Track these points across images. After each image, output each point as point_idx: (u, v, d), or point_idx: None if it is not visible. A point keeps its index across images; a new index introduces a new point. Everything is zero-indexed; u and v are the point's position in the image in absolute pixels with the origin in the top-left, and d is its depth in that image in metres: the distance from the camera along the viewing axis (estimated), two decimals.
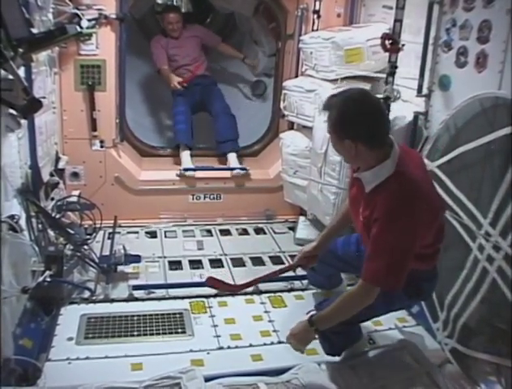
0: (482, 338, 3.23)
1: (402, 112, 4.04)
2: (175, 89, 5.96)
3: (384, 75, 4.03)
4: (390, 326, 3.77)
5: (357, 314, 2.85)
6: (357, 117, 2.62)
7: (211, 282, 3.76)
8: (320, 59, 4.74)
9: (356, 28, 4.81)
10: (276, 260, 4.83)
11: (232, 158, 5.85)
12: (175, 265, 4.64)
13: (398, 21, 3.79)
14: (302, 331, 2.96)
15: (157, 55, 6.13)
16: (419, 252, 2.78)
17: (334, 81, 4.63)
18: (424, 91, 3.95)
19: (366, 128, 2.63)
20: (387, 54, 3.91)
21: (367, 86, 4.62)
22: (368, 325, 3.71)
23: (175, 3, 9.24)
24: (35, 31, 3.38)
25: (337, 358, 3.26)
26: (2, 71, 2.71)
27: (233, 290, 3.95)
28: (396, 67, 3.88)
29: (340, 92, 2.77)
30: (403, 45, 3.84)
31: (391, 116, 3.90)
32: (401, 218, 2.60)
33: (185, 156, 5.77)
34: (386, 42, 3.83)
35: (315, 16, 5.14)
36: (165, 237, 5.24)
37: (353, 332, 3.24)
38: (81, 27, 4.11)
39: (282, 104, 5.31)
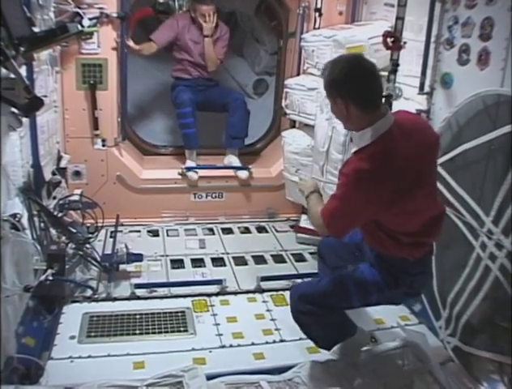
0: (484, 336, 3.23)
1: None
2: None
3: (386, 73, 4.02)
4: (392, 324, 3.77)
5: (333, 301, 3.03)
6: (346, 76, 2.67)
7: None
8: (322, 57, 4.73)
9: (357, 26, 4.80)
10: (278, 258, 4.85)
11: (233, 158, 5.83)
12: (177, 263, 4.65)
13: (399, 19, 3.80)
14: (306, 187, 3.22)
15: (162, 32, 5.73)
16: (398, 238, 2.84)
17: None
18: (426, 88, 3.93)
19: (355, 87, 2.67)
20: (389, 52, 3.90)
21: None
22: (370, 323, 3.73)
23: (176, 2, 9.24)
24: (36, 30, 3.39)
25: (337, 357, 3.25)
26: (4, 70, 2.71)
27: None
28: (398, 65, 3.88)
29: (335, 58, 2.85)
30: (405, 43, 3.83)
31: None
32: (361, 181, 2.63)
33: (191, 155, 5.73)
34: (388, 40, 3.82)
35: (317, 14, 5.14)
36: (167, 235, 5.24)
37: (343, 325, 3.24)
38: (82, 26, 4.12)
39: (284, 103, 5.30)
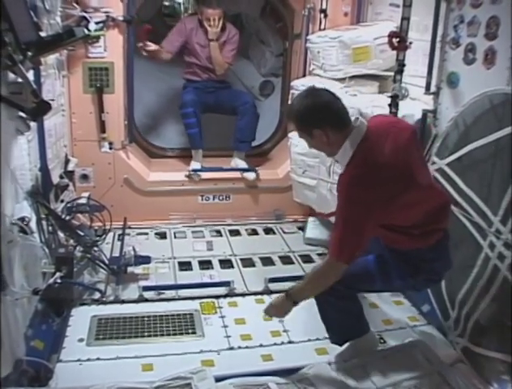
0: (494, 336, 3.21)
1: (410, 110, 4.02)
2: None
3: (392, 74, 4.02)
4: (400, 325, 3.76)
5: (357, 283, 3.08)
6: (314, 106, 2.79)
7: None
8: (327, 58, 4.74)
9: (363, 27, 4.80)
10: (286, 260, 4.84)
11: (239, 161, 5.82)
12: (185, 266, 4.65)
13: (405, 19, 3.79)
14: (280, 303, 3.08)
15: (172, 38, 5.69)
16: (407, 231, 2.93)
17: (341, 80, 4.63)
18: (433, 88, 3.93)
19: (328, 112, 2.80)
20: (395, 52, 3.90)
21: (375, 85, 4.63)
22: (378, 324, 3.71)
23: (182, 5, 9.27)
24: (43, 34, 3.39)
25: (347, 358, 3.25)
26: (12, 75, 2.72)
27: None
28: (404, 65, 3.88)
29: (292, 100, 3.03)
30: (411, 43, 3.83)
31: (400, 114, 3.89)
32: (357, 188, 2.73)
33: (197, 155, 5.73)
34: (394, 40, 3.82)
35: (322, 15, 5.15)
36: (175, 237, 5.25)
37: (359, 319, 3.29)
38: (89, 30, 4.13)
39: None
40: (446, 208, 3.08)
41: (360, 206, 2.71)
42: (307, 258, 4.86)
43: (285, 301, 3.04)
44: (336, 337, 3.32)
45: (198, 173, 5.60)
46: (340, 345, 3.31)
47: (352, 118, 2.88)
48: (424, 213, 2.92)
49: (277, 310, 3.13)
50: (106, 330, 3.62)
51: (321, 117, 2.79)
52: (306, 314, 3.48)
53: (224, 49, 5.76)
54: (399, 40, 3.80)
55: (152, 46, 5.34)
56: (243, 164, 5.78)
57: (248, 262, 4.75)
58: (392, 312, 3.86)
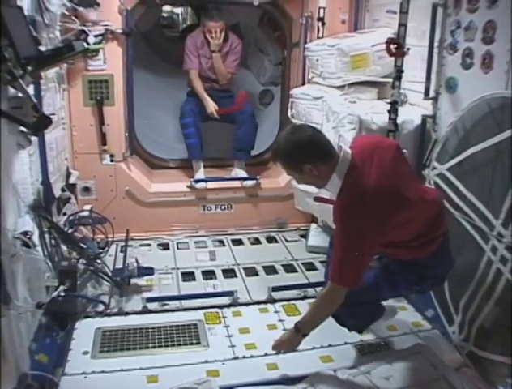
0: (499, 340, 3.19)
1: (410, 115, 4.04)
2: (210, 115, 5.70)
3: (390, 80, 4.04)
4: (405, 330, 3.75)
5: (364, 295, 3.13)
6: (301, 142, 2.84)
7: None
8: (326, 66, 4.76)
9: (360, 34, 4.82)
10: (289, 268, 4.84)
11: (239, 171, 5.84)
12: (188, 276, 4.65)
13: (402, 25, 3.81)
14: (290, 338, 3.15)
15: (189, 56, 5.75)
16: (406, 245, 3.03)
17: (341, 87, 4.64)
18: (432, 94, 3.94)
19: (315, 146, 2.85)
20: (393, 59, 3.91)
21: (374, 91, 4.64)
22: (383, 330, 3.71)
23: (180, 16, 9.33)
24: (43, 48, 3.41)
25: (352, 364, 3.28)
26: (12, 89, 2.74)
27: None
28: (402, 71, 3.89)
29: (276, 141, 3.14)
30: (409, 49, 3.84)
31: (399, 120, 3.91)
32: (350, 218, 2.80)
33: (199, 167, 5.74)
34: (391, 47, 3.84)
35: (320, 23, 5.17)
36: (177, 248, 5.25)
37: (374, 311, 3.42)
38: (88, 44, 4.15)
39: (290, 113, 5.32)
40: (441, 214, 3.14)
41: (354, 234, 2.79)
42: (310, 266, 4.86)
43: (294, 335, 3.12)
44: (355, 329, 3.46)
45: (202, 183, 5.60)
46: (360, 333, 3.50)
47: (336, 147, 2.95)
48: (421, 226, 3.00)
49: (287, 345, 3.20)
50: (110, 342, 3.61)
51: (309, 151, 2.84)
52: None
53: (227, 60, 5.83)
54: (397, 47, 3.81)
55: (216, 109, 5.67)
56: (243, 174, 5.79)
57: (251, 272, 4.75)
58: (396, 317, 3.84)
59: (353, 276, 2.85)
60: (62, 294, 3.39)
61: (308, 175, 2.90)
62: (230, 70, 5.86)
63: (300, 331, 3.09)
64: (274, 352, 3.32)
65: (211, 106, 5.65)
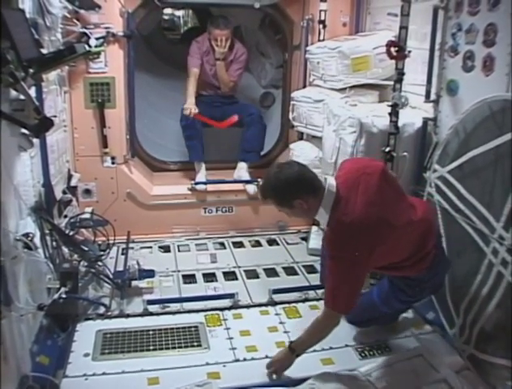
0: (500, 343, 3.19)
1: (411, 118, 4.04)
2: (186, 115, 5.56)
3: (391, 83, 4.04)
4: (406, 333, 3.74)
5: (363, 315, 3.41)
6: (290, 179, 2.94)
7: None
8: (327, 69, 4.77)
9: (362, 37, 4.83)
10: (290, 271, 4.83)
11: (242, 172, 5.82)
12: (189, 279, 4.65)
13: (403, 28, 3.81)
14: (284, 357, 3.24)
15: (192, 56, 5.73)
16: (397, 266, 3.16)
17: (341, 90, 4.65)
18: (432, 96, 3.95)
19: (303, 182, 2.96)
20: (394, 62, 3.91)
21: (375, 94, 4.65)
22: (383, 333, 3.70)
23: (181, 19, 9.34)
24: (44, 51, 3.43)
25: (353, 367, 3.27)
26: (14, 92, 2.75)
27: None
28: (403, 74, 3.89)
29: (263, 180, 3.17)
30: (410, 52, 3.85)
31: (400, 123, 3.91)
32: (337, 249, 2.92)
33: (201, 169, 5.74)
34: (392, 49, 3.84)
35: (321, 26, 5.18)
36: (178, 251, 5.24)
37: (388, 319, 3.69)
38: (89, 46, 4.15)
39: (291, 115, 5.33)
40: (430, 230, 3.21)
41: (342, 264, 2.90)
42: (311, 269, 4.85)
43: (289, 354, 3.21)
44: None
45: (202, 185, 5.60)
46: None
47: (322, 179, 3.03)
48: (410, 247, 3.11)
49: (281, 364, 3.24)
50: (111, 344, 3.61)
51: (297, 187, 2.94)
52: None
53: (231, 68, 5.84)
54: (398, 50, 3.82)
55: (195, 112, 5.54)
56: (246, 176, 5.79)
57: (252, 274, 4.75)
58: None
59: (345, 302, 3.01)
60: (64, 296, 3.38)
61: (298, 209, 2.99)
62: (232, 79, 5.86)
63: (295, 351, 3.19)
64: (274, 354, 3.33)
65: (189, 106, 5.53)
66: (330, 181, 3.01)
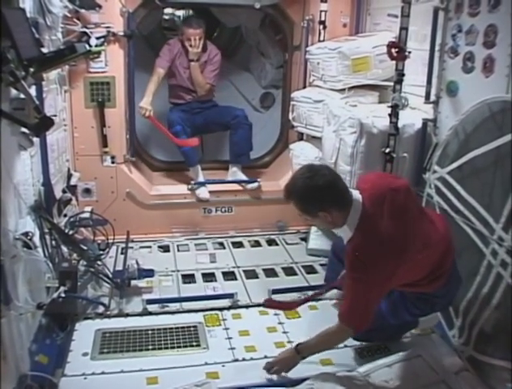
0: (499, 344, 3.19)
1: (410, 119, 4.04)
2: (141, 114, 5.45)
3: (391, 83, 4.04)
4: (405, 334, 3.74)
5: (375, 331, 3.30)
6: (319, 188, 2.79)
7: (269, 303, 3.95)
8: (327, 69, 4.77)
9: (362, 37, 4.84)
10: (289, 271, 4.83)
11: (236, 172, 5.81)
12: (188, 278, 4.64)
13: (403, 29, 3.81)
14: (289, 357, 3.22)
15: (159, 59, 5.63)
16: (414, 284, 3.12)
17: (341, 91, 4.66)
18: (432, 97, 3.95)
19: (331, 192, 2.82)
20: (394, 62, 3.92)
21: (375, 95, 4.66)
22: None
23: (181, 19, 9.32)
24: (45, 50, 3.43)
25: (352, 367, 3.28)
26: (14, 91, 2.75)
27: (290, 308, 3.98)
28: (403, 75, 3.90)
29: (291, 179, 2.96)
30: (410, 53, 3.85)
31: (400, 124, 3.91)
32: (358, 270, 2.84)
33: (197, 171, 5.72)
34: (393, 50, 3.84)
35: (321, 27, 5.19)
36: (178, 250, 5.24)
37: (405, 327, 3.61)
38: (90, 46, 4.17)
39: (291, 116, 5.33)
40: (450, 248, 3.16)
41: (362, 285, 2.85)
42: (310, 269, 4.86)
43: (294, 355, 3.19)
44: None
45: (205, 194, 5.59)
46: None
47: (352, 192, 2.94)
48: (428, 267, 3.07)
49: (285, 364, 3.22)
50: (110, 343, 3.61)
51: (326, 199, 2.82)
52: (310, 326, 3.48)
53: (206, 70, 5.77)
54: (398, 50, 3.82)
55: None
56: (240, 175, 5.79)
57: (251, 274, 4.75)
58: None
59: (361, 320, 2.98)
60: (63, 295, 3.38)
61: (321, 220, 2.91)
62: (209, 81, 5.78)
63: (300, 353, 3.16)
64: (274, 354, 3.34)
65: (145, 106, 5.42)
66: (356, 198, 2.89)
